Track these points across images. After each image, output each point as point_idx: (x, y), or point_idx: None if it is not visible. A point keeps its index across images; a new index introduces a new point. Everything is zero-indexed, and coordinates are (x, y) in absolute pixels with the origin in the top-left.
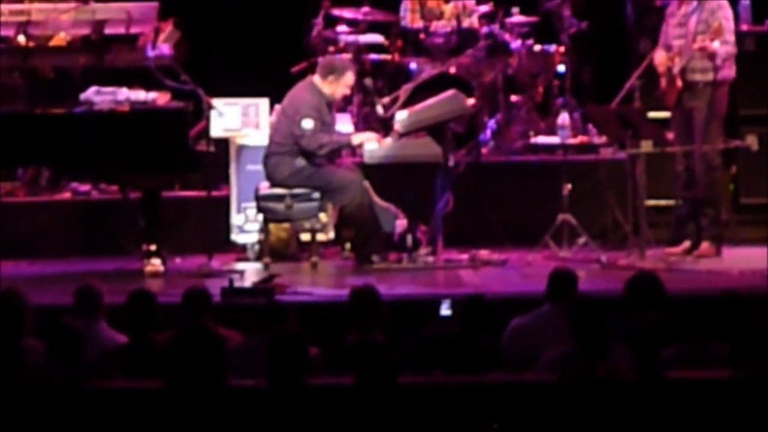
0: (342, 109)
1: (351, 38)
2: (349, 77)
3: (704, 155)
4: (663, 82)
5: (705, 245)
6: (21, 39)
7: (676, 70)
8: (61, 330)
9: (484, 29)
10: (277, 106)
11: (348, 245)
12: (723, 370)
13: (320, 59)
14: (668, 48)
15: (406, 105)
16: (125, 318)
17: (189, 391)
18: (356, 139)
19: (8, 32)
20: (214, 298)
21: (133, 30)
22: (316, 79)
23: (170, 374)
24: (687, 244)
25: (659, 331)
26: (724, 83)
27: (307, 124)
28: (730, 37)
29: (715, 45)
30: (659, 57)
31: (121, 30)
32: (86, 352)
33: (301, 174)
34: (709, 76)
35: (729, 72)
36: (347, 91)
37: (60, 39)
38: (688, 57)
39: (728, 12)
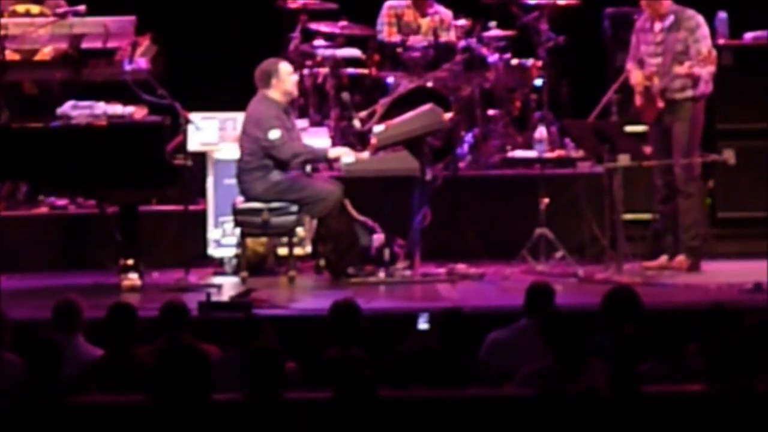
0: (319, 123)
1: (328, 52)
2: (285, 67)
3: (685, 169)
4: (638, 99)
5: (680, 258)
6: (7, 54)
7: (656, 90)
8: (40, 345)
9: (462, 43)
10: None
11: (323, 261)
12: (699, 385)
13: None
14: (641, 63)
15: (383, 119)
16: (104, 331)
17: (174, 406)
18: (332, 152)
19: None
20: (191, 313)
21: (111, 44)
22: (265, 91)
23: (154, 389)
24: (664, 258)
25: (636, 346)
26: (702, 98)
27: (274, 134)
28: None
29: (707, 69)
30: (636, 76)
31: (98, 44)
32: (65, 368)
33: (277, 188)
34: (688, 93)
35: (707, 87)
36: (295, 78)
37: (44, 54)
38: (670, 79)
39: (706, 30)
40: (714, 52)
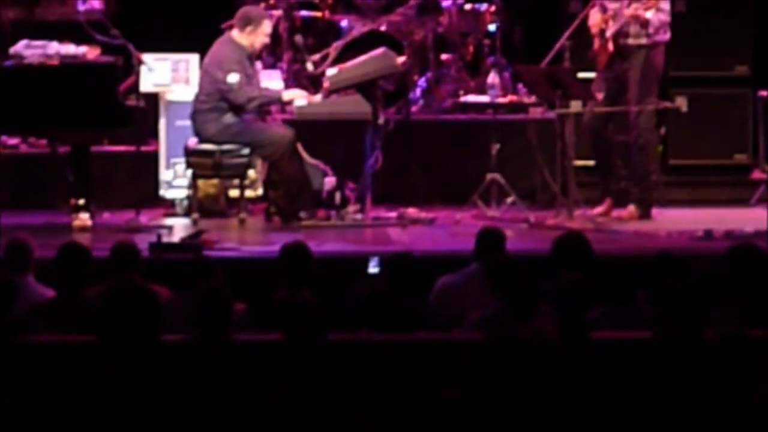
0: (272, 66)
1: None
2: (266, 26)
3: (637, 117)
4: (596, 43)
5: (630, 209)
6: None
7: (608, 33)
8: None
9: None
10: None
11: (273, 206)
12: (647, 331)
13: (238, 12)
14: (604, 9)
15: (336, 62)
16: (55, 272)
17: (121, 347)
18: (286, 95)
19: None
20: (142, 253)
21: None
22: (235, 33)
23: (103, 330)
24: (608, 201)
25: (585, 292)
26: (658, 45)
27: (233, 78)
28: (665, 5)
29: (649, 14)
30: (593, 18)
31: None
32: (14, 307)
33: (230, 130)
34: (642, 40)
35: (663, 36)
36: (266, 40)
37: None
38: (621, 22)
39: None
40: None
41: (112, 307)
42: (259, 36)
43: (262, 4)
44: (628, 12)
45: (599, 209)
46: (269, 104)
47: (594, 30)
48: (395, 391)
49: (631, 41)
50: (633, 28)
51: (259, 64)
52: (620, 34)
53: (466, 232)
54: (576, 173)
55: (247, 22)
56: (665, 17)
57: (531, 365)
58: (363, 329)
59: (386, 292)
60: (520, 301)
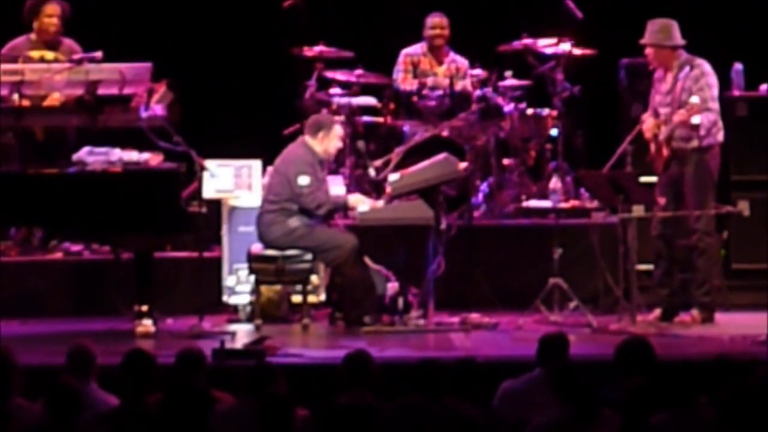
0: (334, 171)
1: (344, 100)
2: (338, 130)
3: (697, 221)
4: (652, 147)
5: (693, 313)
6: (15, 98)
7: (661, 138)
8: (59, 390)
9: (477, 92)
10: (270, 168)
11: (337, 313)
12: None
13: (308, 120)
14: (656, 114)
15: (398, 168)
16: (119, 379)
17: None
18: (351, 199)
19: (2, 92)
20: (207, 360)
21: (127, 91)
22: (308, 138)
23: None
24: (657, 311)
25: (648, 397)
26: (712, 147)
27: (304, 180)
28: (714, 105)
29: (695, 120)
30: (647, 123)
31: (114, 91)
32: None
33: (294, 234)
34: (694, 143)
35: (716, 137)
36: (340, 144)
37: (53, 99)
38: (672, 126)
39: (711, 79)
40: (704, 97)
41: (170, 411)
42: (332, 140)
43: (324, 110)
44: (676, 118)
45: (649, 318)
46: (336, 210)
47: (647, 135)
48: None
49: (683, 145)
50: (685, 132)
51: None
52: (672, 138)
53: (529, 337)
54: (638, 277)
55: (318, 128)
56: (714, 116)
57: None
58: None
59: (448, 398)
60: (583, 407)
